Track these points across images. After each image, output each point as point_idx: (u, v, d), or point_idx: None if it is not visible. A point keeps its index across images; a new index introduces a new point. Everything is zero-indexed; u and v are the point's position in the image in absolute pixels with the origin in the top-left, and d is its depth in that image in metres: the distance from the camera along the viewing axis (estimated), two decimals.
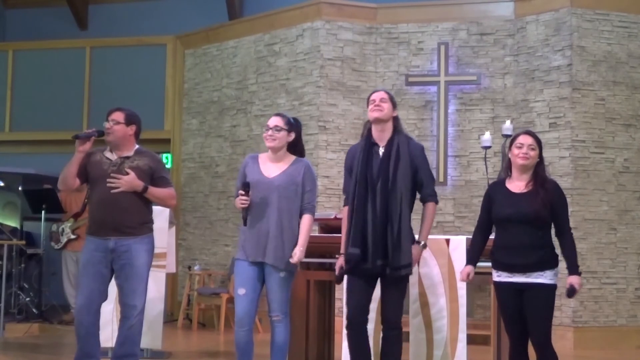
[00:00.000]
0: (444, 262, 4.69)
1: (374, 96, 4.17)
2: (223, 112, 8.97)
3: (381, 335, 4.17)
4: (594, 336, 7.29)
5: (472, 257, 4.16)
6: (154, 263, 4.76)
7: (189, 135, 9.35)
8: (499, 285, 4.03)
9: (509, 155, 4.09)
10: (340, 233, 4.25)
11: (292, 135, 4.40)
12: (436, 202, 4.19)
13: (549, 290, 3.91)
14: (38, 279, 8.60)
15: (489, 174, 6.84)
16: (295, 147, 4.44)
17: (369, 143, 4.16)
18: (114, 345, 4.54)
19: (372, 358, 4.20)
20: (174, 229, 6.11)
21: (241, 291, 4.26)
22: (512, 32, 7.93)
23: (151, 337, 5.67)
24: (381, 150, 4.13)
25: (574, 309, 7.26)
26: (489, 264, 4.13)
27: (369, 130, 4.20)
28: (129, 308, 4.42)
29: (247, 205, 4.25)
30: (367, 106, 4.19)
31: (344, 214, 4.22)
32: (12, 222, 9.41)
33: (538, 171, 4.02)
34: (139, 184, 4.38)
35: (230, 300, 7.52)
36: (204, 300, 8.30)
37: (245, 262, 4.29)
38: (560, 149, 7.49)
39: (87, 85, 9.81)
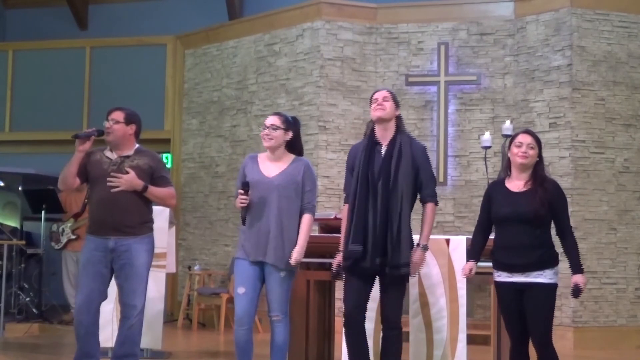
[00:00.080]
0: (444, 262, 4.69)
1: (376, 95, 4.18)
2: (223, 112, 8.97)
3: (381, 335, 4.17)
4: (594, 336, 7.29)
5: (473, 254, 4.15)
6: (154, 263, 4.75)
7: (189, 135, 9.35)
8: (499, 285, 4.03)
9: (509, 155, 4.09)
10: (340, 233, 4.25)
11: (290, 134, 4.37)
12: (436, 203, 4.18)
13: (549, 289, 3.91)
14: (38, 279, 8.60)
15: (489, 174, 6.84)
16: (294, 146, 4.42)
17: (371, 142, 4.17)
18: (113, 345, 4.54)
19: (372, 357, 4.20)
20: (174, 229, 6.11)
21: (241, 290, 4.25)
22: (512, 32, 7.93)
23: (151, 337, 5.67)
24: (383, 149, 4.13)
25: (574, 309, 7.26)
26: (489, 264, 4.13)
27: (372, 130, 4.21)
28: (129, 308, 4.42)
29: (246, 204, 4.25)
30: (370, 106, 4.20)
31: (343, 212, 4.22)
32: (12, 222, 9.42)
33: (537, 170, 4.01)
34: (139, 183, 4.37)
35: (230, 301, 7.52)
36: (204, 300, 8.30)
37: (245, 262, 4.28)
38: (560, 149, 7.49)
39: (87, 85, 9.81)
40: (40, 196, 8.19)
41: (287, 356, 4.46)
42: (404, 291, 4.12)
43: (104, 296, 4.44)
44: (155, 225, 4.64)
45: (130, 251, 4.38)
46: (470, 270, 4.08)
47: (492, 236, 4.17)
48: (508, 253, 3.95)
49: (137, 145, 4.56)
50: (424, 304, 4.70)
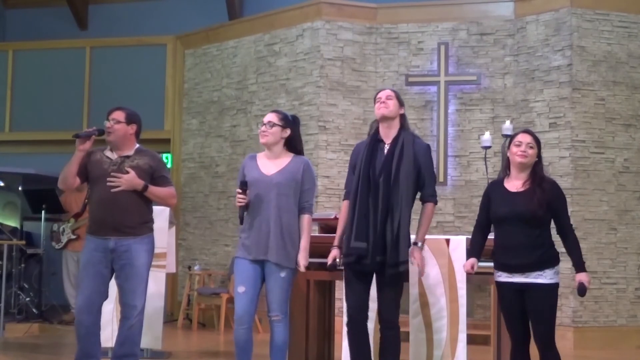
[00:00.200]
0: (444, 262, 4.68)
1: (380, 94, 4.20)
2: (223, 112, 8.98)
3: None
4: (594, 336, 7.29)
5: (473, 254, 4.13)
6: (154, 263, 4.75)
7: (189, 135, 9.35)
8: (499, 285, 4.03)
9: (508, 154, 4.09)
10: None
11: (288, 132, 4.35)
12: (435, 203, 4.19)
13: (550, 289, 3.90)
14: (38, 279, 8.60)
15: (489, 174, 6.84)
16: (293, 145, 4.40)
17: (374, 140, 4.18)
18: (114, 345, 4.53)
19: (372, 357, 4.20)
20: (174, 229, 6.11)
21: (241, 289, 4.24)
22: (512, 32, 7.93)
23: (151, 337, 5.67)
24: (386, 147, 4.14)
25: (574, 309, 7.26)
26: (490, 264, 4.13)
27: (376, 129, 4.23)
28: (129, 308, 4.42)
29: (244, 203, 4.25)
30: (374, 105, 4.22)
31: (342, 208, 4.22)
32: (12, 222, 9.42)
33: (536, 170, 4.00)
34: (139, 183, 4.37)
35: (230, 300, 7.51)
36: (204, 300, 8.30)
37: (245, 261, 4.28)
38: (560, 149, 7.49)
39: (87, 85, 9.82)
40: (40, 196, 8.19)
41: (287, 356, 4.46)
42: (400, 290, 4.11)
43: (104, 296, 4.43)
44: (155, 225, 4.64)
45: (130, 251, 4.38)
46: (472, 267, 4.05)
47: (491, 236, 4.17)
48: (507, 253, 3.94)
49: (137, 145, 4.55)
50: (424, 304, 4.70)
